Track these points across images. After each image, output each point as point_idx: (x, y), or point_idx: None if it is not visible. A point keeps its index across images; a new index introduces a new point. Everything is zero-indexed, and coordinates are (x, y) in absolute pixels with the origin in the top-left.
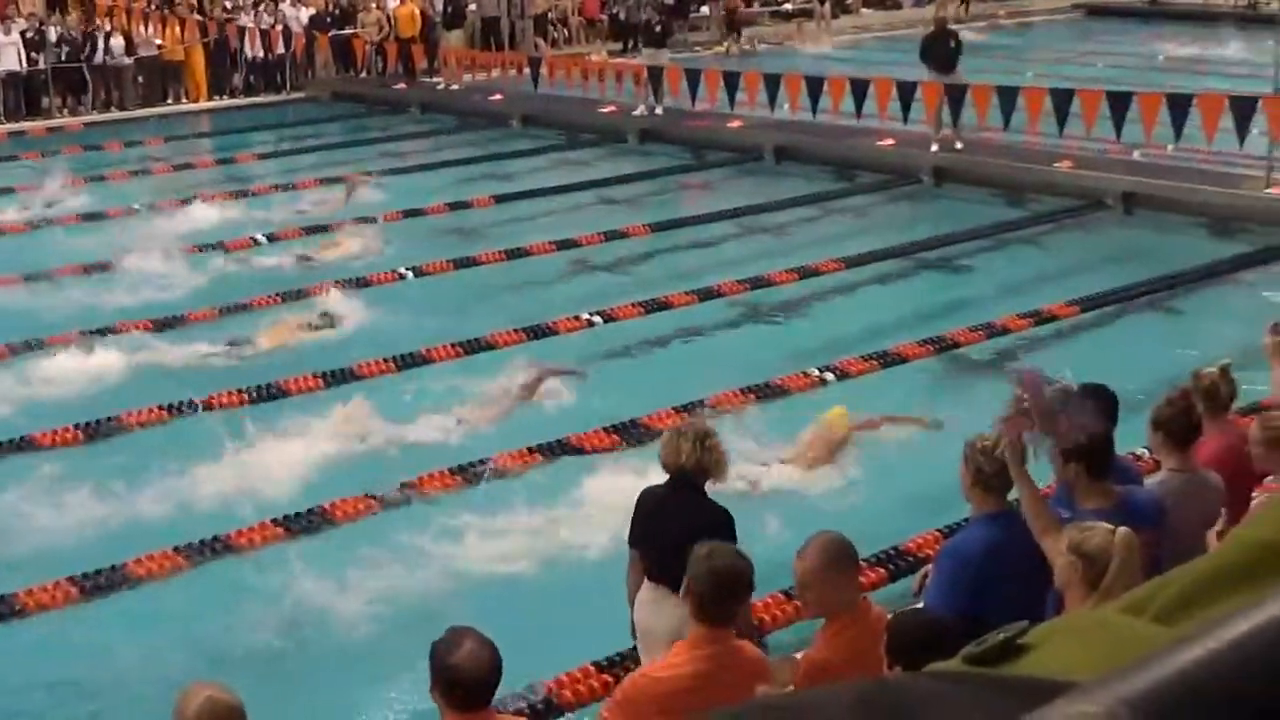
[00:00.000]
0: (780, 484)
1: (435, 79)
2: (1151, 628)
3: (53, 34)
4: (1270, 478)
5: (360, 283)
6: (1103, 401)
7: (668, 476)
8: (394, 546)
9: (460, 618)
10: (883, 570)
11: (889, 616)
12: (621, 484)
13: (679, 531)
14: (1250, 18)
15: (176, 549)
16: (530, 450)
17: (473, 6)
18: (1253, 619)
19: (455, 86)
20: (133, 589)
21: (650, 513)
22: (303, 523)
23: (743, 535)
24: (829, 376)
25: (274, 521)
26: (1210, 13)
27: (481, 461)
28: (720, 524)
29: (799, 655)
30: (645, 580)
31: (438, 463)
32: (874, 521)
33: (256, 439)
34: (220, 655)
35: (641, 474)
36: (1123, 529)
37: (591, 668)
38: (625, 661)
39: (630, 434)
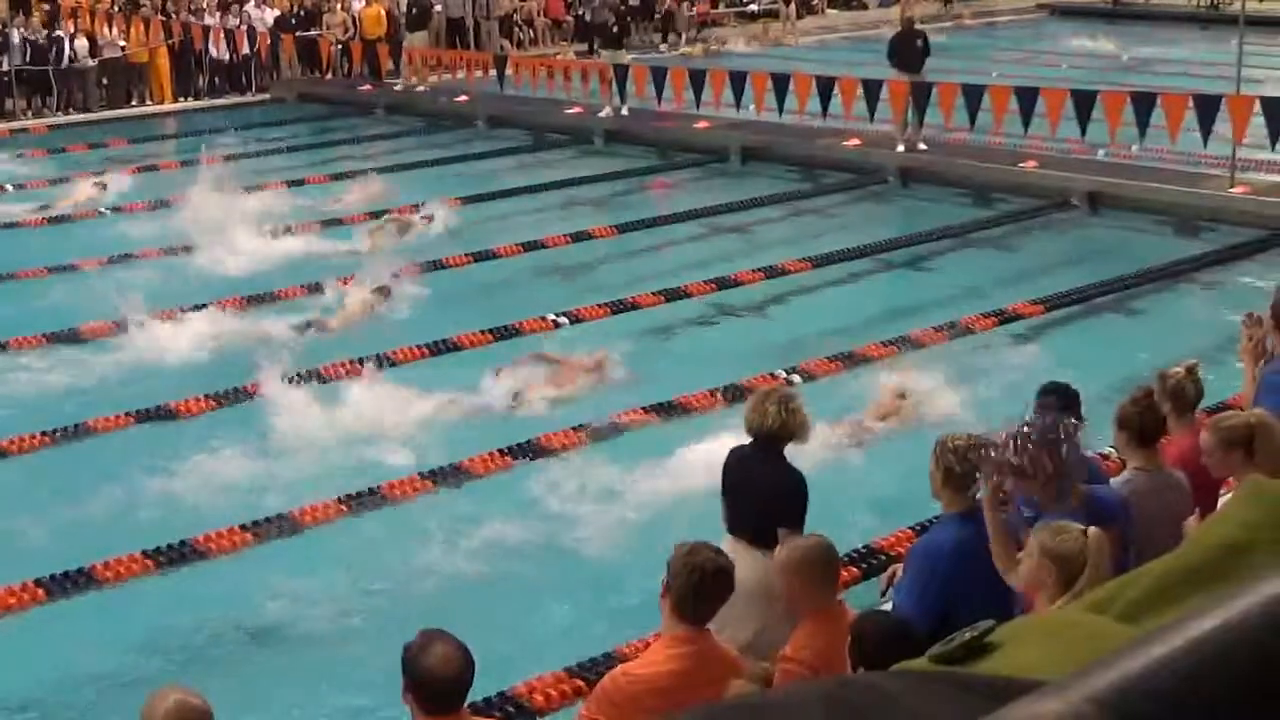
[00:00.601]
0: None
1: (395, 79)
2: (1116, 626)
3: (16, 36)
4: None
5: (324, 286)
6: (1064, 400)
7: (751, 439)
8: (364, 548)
9: (429, 619)
10: (854, 569)
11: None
12: (591, 483)
13: (757, 490)
14: (1212, 18)
15: (145, 552)
16: (501, 453)
17: (438, 7)
18: (1215, 617)
19: (421, 88)
20: (99, 591)
21: (733, 470)
22: (271, 526)
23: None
24: (795, 378)
25: (242, 527)
26: (1173, 13)
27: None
28: (794, 487)
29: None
30: (725, 533)
31: (406, 464)
32: (847, 519)
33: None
34: (189, 658)
35: (610, 473)
36: (1093, 529)
37: (564, 673)
38: (598, 665)
39: (600, 434)
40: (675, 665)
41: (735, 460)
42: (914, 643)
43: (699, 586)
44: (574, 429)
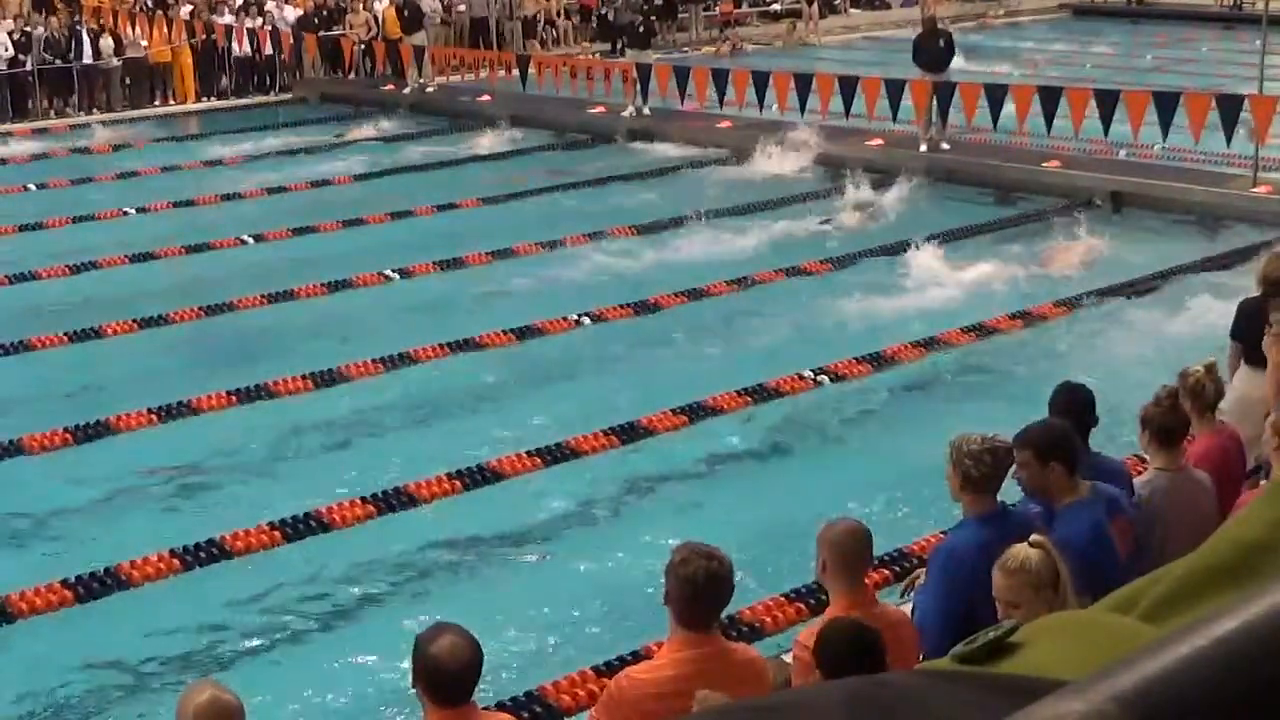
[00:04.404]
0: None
1: (401, 79)
2: (1139, 626)
3: (39, 34)
4: (1259, 475)
5: (344, 284)
6: (1077, 399)
7: (1263, 289)
8: (390, 547)
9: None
10: (886, 571)
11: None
12: (624, 488)
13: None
14: (1236, 17)
15: (172, 551)
16: (529, 453)
17: (461, 7)
18: (1239, 617)
19: (430, 88)
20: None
21: (1248, 314)
22: (300, 525)
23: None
24: (824, 379)
25: (270, 524)
26: (1196, 13)
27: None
28: None
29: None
30: (1242, 364)
31: (438, 465)
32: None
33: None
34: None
35: (639, 480)
36: (1035, 536)
37: (590, 672)
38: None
39: (626, 435)
40: (678, 669)
41: (1250, 305)
42: (875, 654)
43: (695, 596)
44: (601, 432)
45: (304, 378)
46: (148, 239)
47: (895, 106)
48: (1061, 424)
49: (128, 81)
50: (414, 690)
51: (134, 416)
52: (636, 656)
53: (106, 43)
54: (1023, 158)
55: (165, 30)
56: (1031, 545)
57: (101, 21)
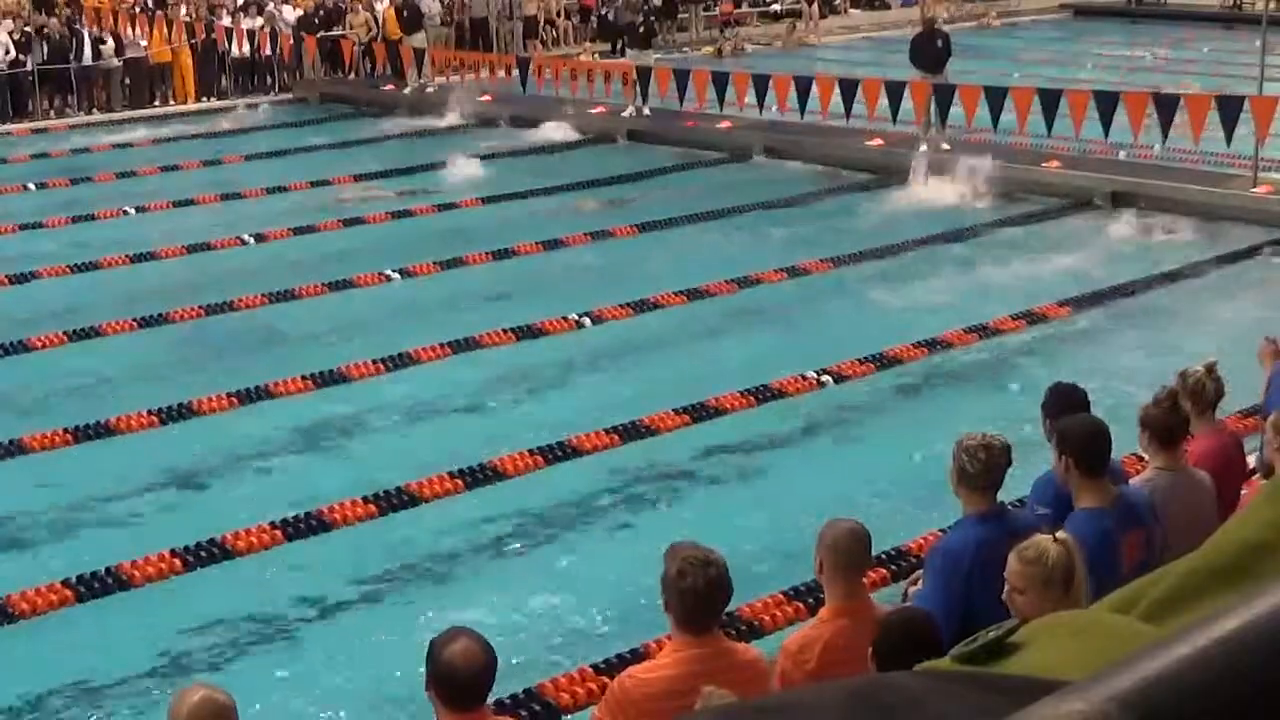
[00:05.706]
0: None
1: (401, 80)
2: (1139, 626)
3: (39, 34)
4: (1257, 475)
5: (345, 284)
6: (1071, 401)
7: None
8: (390, 547)
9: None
10: (884, 570)
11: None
12: (624, 487)
13: None
14: (1236, 17)
15: (172, 551)
16: (530, 452)
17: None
18: (1239, 617)
19: (431, 89)
20: (126, 591)
21: None
22: (300, 525)
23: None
24: (826, 379)
25: (272, 524)
26: (1196, 13)
27: None
28: None
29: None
30: None
31: (439, 464)
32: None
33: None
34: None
35: (639, 478)
36: (1060, 534)
37: (590, 670)
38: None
39: (627, 434)
40: (679, 669)
41: None
42: (934, 641)
43: (696, 606)
44: (602, 431)
45: (304, 378)
46: (148, 239)
47: (895, 106)
48: (1088, 423)
49: (128, 81)
50: (428, 694)
51: (134, 416)
52: (636, 655)
53: (107, 43)
54: (1023, 158)
55: (165, 31)
56: (1055, 540)
57: (102, 22)
